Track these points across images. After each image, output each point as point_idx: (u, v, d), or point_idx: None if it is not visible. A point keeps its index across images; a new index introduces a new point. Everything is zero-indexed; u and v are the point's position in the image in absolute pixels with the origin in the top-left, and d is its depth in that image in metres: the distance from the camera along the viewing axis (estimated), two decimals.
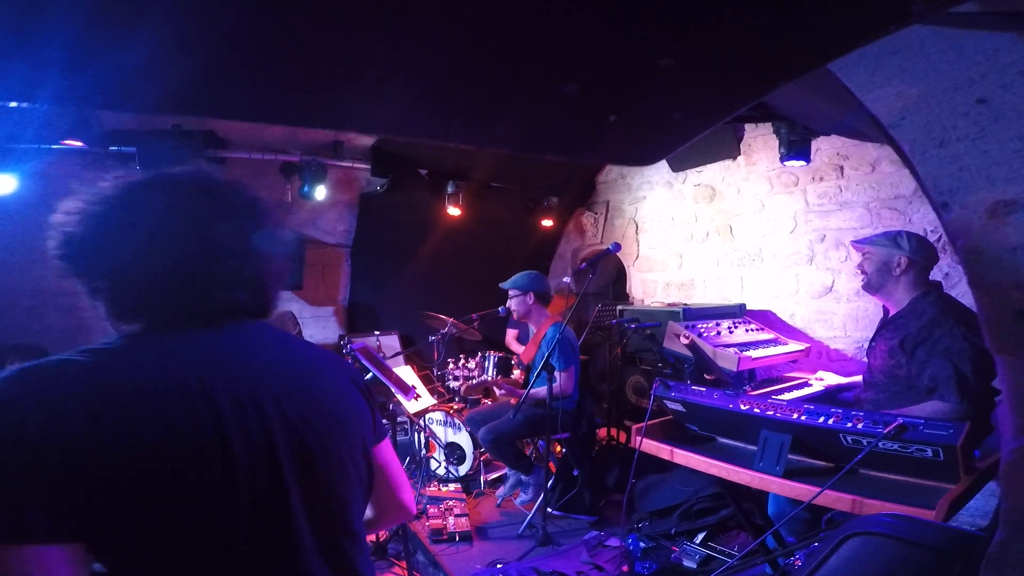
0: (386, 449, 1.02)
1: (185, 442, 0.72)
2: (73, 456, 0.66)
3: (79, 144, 3.74)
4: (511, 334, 4.56)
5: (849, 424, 1.68)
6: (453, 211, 4.65)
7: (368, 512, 1.02)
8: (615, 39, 0.49)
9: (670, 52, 0.51)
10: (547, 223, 5.40)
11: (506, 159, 4.54)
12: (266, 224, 0.87)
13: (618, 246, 3.22)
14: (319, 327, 4.98)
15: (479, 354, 4.42)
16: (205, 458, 0.73)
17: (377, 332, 4.89)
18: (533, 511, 3.42)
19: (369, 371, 2.80)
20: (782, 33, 0.54)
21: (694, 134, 0.87)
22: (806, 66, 0.75)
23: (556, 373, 3.32)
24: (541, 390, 3.31)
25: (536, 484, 3.56)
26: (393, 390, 2.94)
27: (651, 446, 2.17)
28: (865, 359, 2.57)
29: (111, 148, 3.81)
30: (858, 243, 2.49)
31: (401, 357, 4.53)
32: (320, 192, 4.20)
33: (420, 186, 4.66)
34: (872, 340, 2.48)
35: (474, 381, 4.05)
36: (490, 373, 4.25)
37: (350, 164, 4.47)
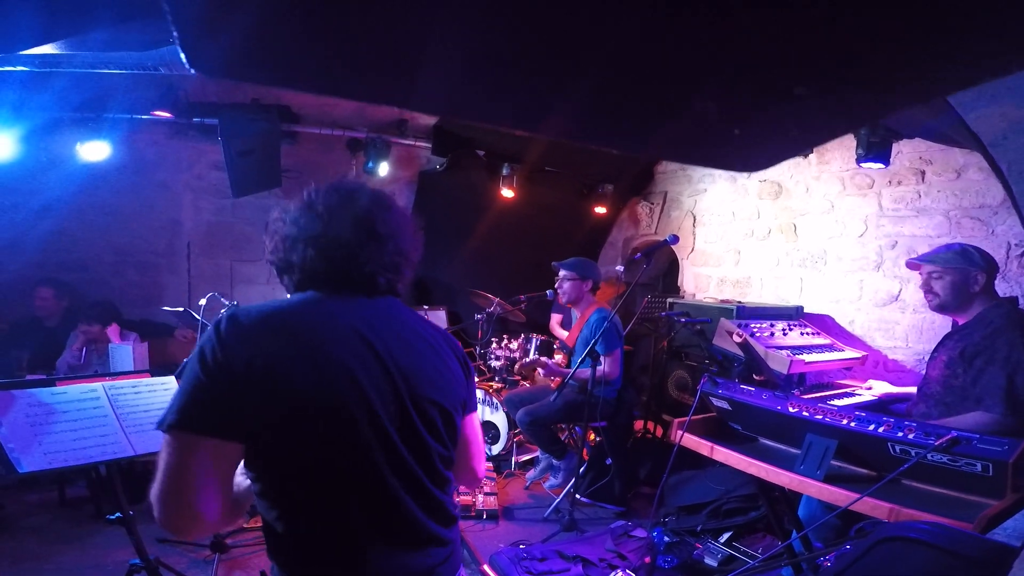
0: (472, 421, 1.20)
1: (332, 377, 0.94)
2: (252, 372, 0.89)
3: (167, 115, 4.00)
4: (555, 319, 4.55)
5: (900, 434, 1.64)
6: (507, 193, 4.69)
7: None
8: (761, 66, 0.51)
9: (806, 81, 0.53)
10: (600, 210, 5.34)
11: (563, 144, 4.52)
12: (401, 222, 1.10)
13: (676, 238, 3.18)
14: None
15: (522, 335, 4.45)
16: (352, 389, 0.95)
17: (426, 307, 5.01)
18: (561, 496, 3.45)
19: None
20: (910, 71, 0.56)
21: (806, 148, 0.88)
22: (927, 97, 0.74)
23: (601, 358, 3.32)
24: (583, 371, 3.30)
25: (567, 469, 3.59)
26: None
27: (691, 441, 2.17)
28: (924, 371, 2.45)
29: (194, 119, 4.06)
30: (920, 261, 2.34)
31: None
32: (383, 168, 4.33)
33: (477, 166, 4.72)
34: (934, 350, 2.35)
35: (528, 359, 4.06)
36: (532, 355, 4.27)
37: (412, 142, 4.59)
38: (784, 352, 3.14)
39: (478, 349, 4.53)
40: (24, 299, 3.83)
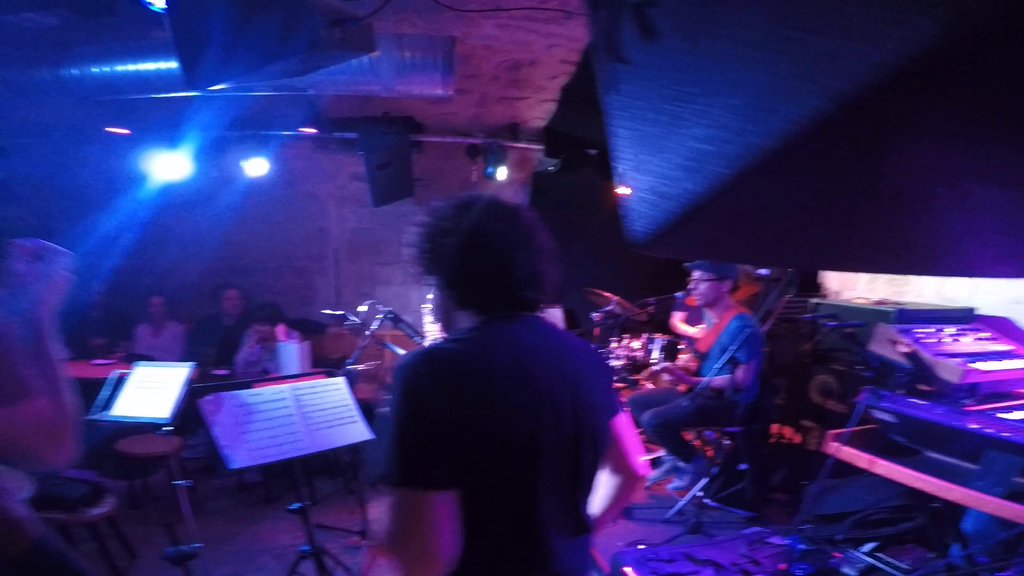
0: (622, 419, 1.22)
1: (525, 409, 0.97)
2: (464, 420, 0.91)
3: (312, 131, 4.46)
4: (678, 315, 4.41)
5: None
6: (622, 190, 4.64)
7: (604, 476, 1.21)
8: None
9: None
10: None
11: None
12: (545, 238, 1.11)
13: None
14: None
15: (644, 335, 4.41)
16: (536, 421, 0.98)
17: (541, 304, 5.11)
18: (686, 498, 3.42)
19: None
20: None
21: None
22: None
23: (737, 365, 3.23)
24: (719, 380, 3.24)
25: (694, 473, 3.54)
26: None
27: (848, 454, 2.12)
28: None
29: (335, 134, 4.48)
30: None
31: None
32: (502, 172, 4.50)
33: (589, 165, 4.74)
34: None
35: (656, 367, 4.00)
36: (655, 356, 4.24)
37: (525, 145, 4.71)
38: (955, 360, 2.86)
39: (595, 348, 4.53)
40: (204, 301, 4.52)
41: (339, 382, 2.47)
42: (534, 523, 0.99)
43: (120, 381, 2.38)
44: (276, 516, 3.35)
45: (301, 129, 4.47)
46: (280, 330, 3.94)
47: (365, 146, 4.06)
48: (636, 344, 4.39)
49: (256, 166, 4.18)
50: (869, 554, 2.76)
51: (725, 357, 3.16)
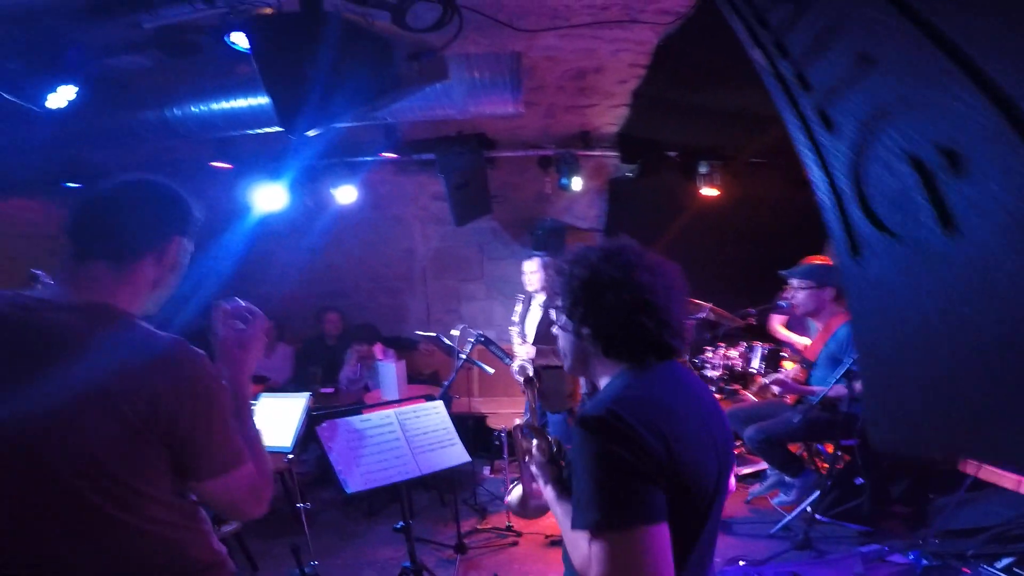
0: None
1: (708, 448, 1.04)
2: (667, 458, 0.95)
3: (393, 156, 4.66)
4: (778, 319, 4.13)
5: None
6: (708, 191, 4.49)
7: None
8: None
9: None
10: None
11: (772, 132, 4.18)
12: (680, 282, 1.15)
13: None
14: None
15: (743, 344, 4.19)
16: (715, 459, 1.04)
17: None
18: (794, 513, 3.24)
19: None
20: None
21: None
22: None
23: (855, 373, 3.02)
24: (835, 390, 3.03)
25: (803, 487, 3.33)
26: None
27: (990, 472, 1.93)
28: None
29: (414, 156, 4.65)
30: None
31: None
32: (577, 183, 4.45)
33: (669, 168, 4.61)
34: None
35: (764, 380, 3.78)
36: (755, 365, 4.03)
37: (599, 153, 4.65)
38: None
39: (688, 357, 4.40)
40: (308, 323, 4.85)
41: (438, 406, 2.59)
42: (709, 558, 1.06)
43: None
44: (378, 529, 3.51)
45: (383, 154, 4.68)
46: (377, 349, 4.17)
47: (443, 168, 4.19)
48: (733, 353, 4.18)
49: (345, 193, 4.41)
50: (1005, 569, 2.54)
51: (841, 369, 2.93)
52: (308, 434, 2.49)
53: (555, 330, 1.22)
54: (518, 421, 1.35)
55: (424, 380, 4.57)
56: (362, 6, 2.07)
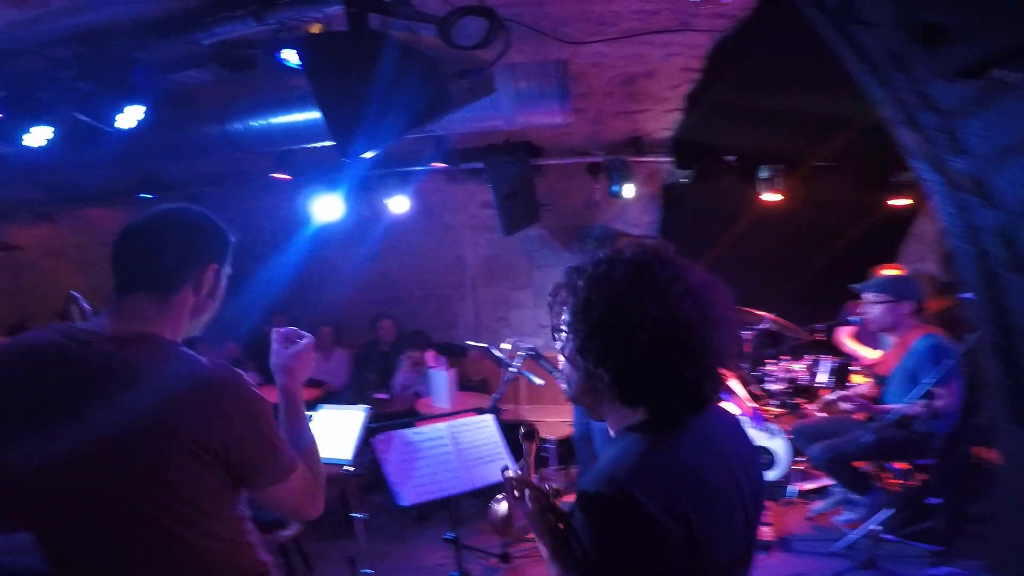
0: None
1: (726, 522, 0.88)
2: (686, 542, 0.81)
3: (442, 165, 4.72)
4: (846, 330, 3.84)
5: None
6: (770, 197, 4.29)
7: None
8: None
9: None
10: (899, 202, 4.46)
11: (837, 134, 3.96)
12: (730, 308, 0.91)
13: None
14: None
15: (807, 357, 3.98)
16: (742, 536, 0.92)
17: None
18: (859, 530, 3.07)
19: None
20: None
21: None
22: None
23: (936, 391, 2.80)
24: (912, 408, 2.83)
25: (871, 505, 3.14)
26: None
27: None
28: None
29: (463, 165, 4.69)
30: None
31: None
32: (628, 190, 4.35)
33: (726, 172, 4.45)
34: None
35: (833, 396, 3.53)
36: (822, 379, 3.83)
37: (652, 159, 4.54)
38: None
39: (748, 370, 4.19)
40: (364, 329, 4.99)
41: (488, 419, 2.60)
42: None
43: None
44: (427, 535, 3.58)
45: (433, 164, 4.75)
46: (429, 356, 4.24)
47: (492, 178, 4.22)
48: (798, 366, 3.98)
49: (398, 203, 4.49)
50: None
51: (920, 389, 2.71)
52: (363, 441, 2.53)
53: (559, 351, 0.97)
54: (509, 473, 1.14)
55: (473, 387, 4.61)
56: (407, 21, 2.09)
